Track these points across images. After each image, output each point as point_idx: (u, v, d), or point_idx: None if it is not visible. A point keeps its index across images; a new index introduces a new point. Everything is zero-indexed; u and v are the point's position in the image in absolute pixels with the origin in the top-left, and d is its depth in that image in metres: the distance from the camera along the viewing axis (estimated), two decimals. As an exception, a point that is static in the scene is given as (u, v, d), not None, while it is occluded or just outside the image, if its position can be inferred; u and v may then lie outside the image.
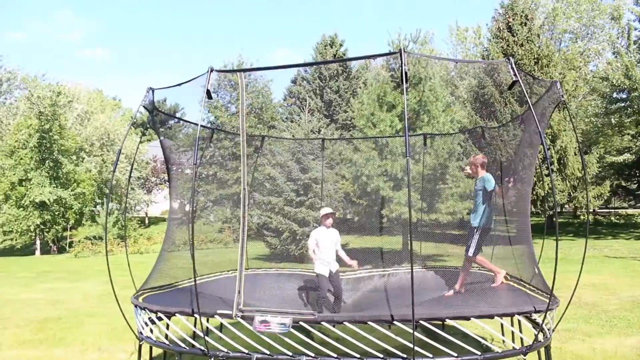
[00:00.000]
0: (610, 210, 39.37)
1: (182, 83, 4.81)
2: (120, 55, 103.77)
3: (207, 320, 4.55)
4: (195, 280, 4.51)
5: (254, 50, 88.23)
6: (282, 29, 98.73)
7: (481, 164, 6.48)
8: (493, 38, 24.45)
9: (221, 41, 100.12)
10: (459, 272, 6.41)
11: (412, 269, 4.37)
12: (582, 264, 5.29)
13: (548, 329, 4.73)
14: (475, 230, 6.23)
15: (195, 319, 4.56)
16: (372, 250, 17.40)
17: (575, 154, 21.56)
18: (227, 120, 24.94)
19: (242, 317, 4.37)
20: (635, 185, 33.57)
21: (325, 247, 6.88)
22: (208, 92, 4.46)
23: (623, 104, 24.40)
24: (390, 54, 4.66)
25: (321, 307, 6.68)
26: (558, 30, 33.96)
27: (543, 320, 4.51)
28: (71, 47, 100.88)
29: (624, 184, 32.89)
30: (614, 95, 24.70)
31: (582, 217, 31.41)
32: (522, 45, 22.64)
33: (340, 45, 31.82)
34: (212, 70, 4.50)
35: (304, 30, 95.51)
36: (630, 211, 38.31)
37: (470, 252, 6.21)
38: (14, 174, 23.79)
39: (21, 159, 24.04)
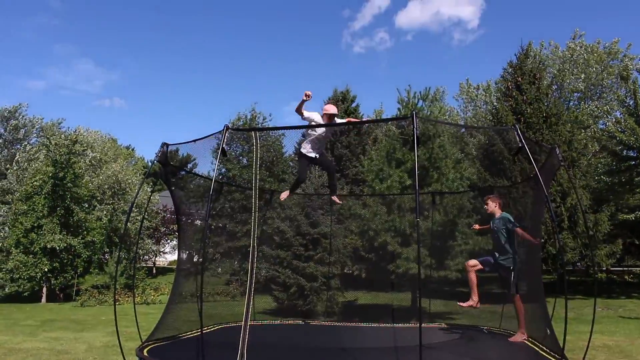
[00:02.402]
0: (624, 268, 38.62)
1: (197, 140, 4.94)
2: (136, 105, 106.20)
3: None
4: (202, 336, 4.49)
5: (267, 103, 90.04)
6: (295, 83, 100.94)
7: (499, 203, 6.66)
8: (502, 97, 24.80)
9: (235, 93, 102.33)
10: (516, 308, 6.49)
11: (420, 325, 4.35)
12: (592, 326, 5.22)
13: (560, 394, 4.63)
14: (511, 270, 6.36)
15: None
16: (381, 306, 17.17)
17: (586, 212, 21.42)
18: (238, 173, 25.16)
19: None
20: (649, 244, 33.06)
21: (316, 137, 6.94)
22: (223, 150, 4.56)
23: (633, 162, 24.41)
24: (401, 118, 4.83)
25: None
26: (567, 89, 34.45)
27: (554, 385, 4.43)
28: (89, 96, 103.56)
29: (637, 242, 32.41)
30: (624, 153, 24.76)
31: (595, 275, 30.86)
32: (530, 104, 22.93)
33: (352, 100, 32.24)
34: (227, 129, 4.63)
35: (316, 84, 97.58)
36: (644, 270, 37.56)
37: (513, 291, 6.36)
38: (27, 220, 23.99)
39: (34, 205, 24.28)
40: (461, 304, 6.65)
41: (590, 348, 10.30)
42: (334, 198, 8.08)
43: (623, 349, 10.78)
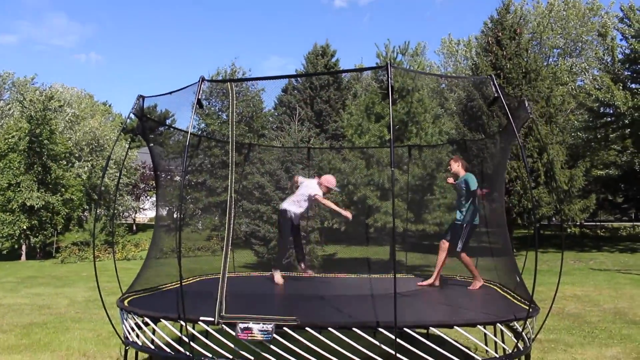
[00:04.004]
0: (597, 223, 39.76)
1: (173, 92, 4.88)
2: (113, 61, 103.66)
3: (193, 327, 4.59)
4: (181, 286, 4.56)
5: (247, 58, 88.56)
6: (275, 37, 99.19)
7: (462, 164, 6.72)
8: (482, 52, 24.70)
9: (215, 48, 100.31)
10: (436, 265, 6.66)
11: (394, 274, 4.47)
12: (560, 274, 5.42)
13: (528, 338, 4.82)
14: (463, 227, 6.38)
15: (181, 324, 4.61)
16: (359, 259, 17.48)
17: (562, 167, 21.81)
18: (218, 128, 24.98)
19: (225, 324, 4.40)
20: (622, 199, 34.00)
21: (303, 196, 7.13)
22: (199, 102, 4.53)
23: (609, 119, 24.79)
24: (377, 67, 4.80)
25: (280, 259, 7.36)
26: (546, 45, 34.43)
27: (523, 329, 4.61)
28: (65, 51, 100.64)
29: (610, 198, 33.28)
30: (600, 110, 25.08)
31: (569, 229, 31.71)
32: (510, 59, 22.87)
33: (332, 55, 31.95)
34: (203, 80, 4.58)
35: (296, 39, 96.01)
36: (616, 224, 38.71)
37: (459, 248, 6.34)
38: (3, 177, 23.64)
39: (10, 162, 23.89)
40: (419, 284, 6.73)
41: (561, 298, 10.71)
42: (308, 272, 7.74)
43: (592, 299, 11.25)
